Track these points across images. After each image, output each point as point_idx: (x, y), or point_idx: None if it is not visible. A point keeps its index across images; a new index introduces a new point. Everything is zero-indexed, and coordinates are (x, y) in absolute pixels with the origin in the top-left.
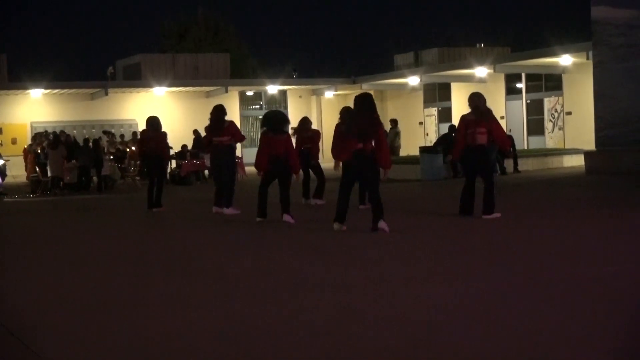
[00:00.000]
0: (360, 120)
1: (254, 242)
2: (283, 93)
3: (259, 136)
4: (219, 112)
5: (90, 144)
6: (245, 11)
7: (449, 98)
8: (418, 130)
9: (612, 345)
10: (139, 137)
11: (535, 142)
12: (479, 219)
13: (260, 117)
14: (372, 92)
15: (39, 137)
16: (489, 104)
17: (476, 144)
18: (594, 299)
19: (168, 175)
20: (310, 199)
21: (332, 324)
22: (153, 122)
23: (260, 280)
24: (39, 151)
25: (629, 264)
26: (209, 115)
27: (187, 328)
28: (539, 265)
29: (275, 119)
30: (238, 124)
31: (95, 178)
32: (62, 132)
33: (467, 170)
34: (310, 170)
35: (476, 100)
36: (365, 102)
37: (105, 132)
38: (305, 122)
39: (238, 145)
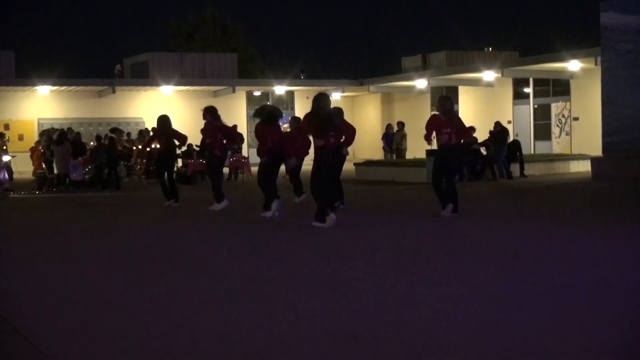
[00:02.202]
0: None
1: (255, 242)
2: (290, 94)
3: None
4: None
5: (106, 141)
6: (253, 12)
7: (456, 102)
8: (424, 133)
9: (611, 350)
10: (150, 134)
11: (542, 147)
12: (477, 223)
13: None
14: (379, 94)
15: (45, 133)
16: (496, 108)
17: (451, 144)
18: (594, 304)
19: (174, 174)
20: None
21: (333, 325)
22: (165, 120)
23: (261, 280)
24: (42, 149)
25: (623, 270)
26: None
27: (189, 327)
28: (538, 269)
29: (271, 112)
30: (244, 124)
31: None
32: (69, 129)
33: (439, 168)
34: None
35: (449, 104)
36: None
37: (112, 130)
38: (294, 120)
39: (244, 145)
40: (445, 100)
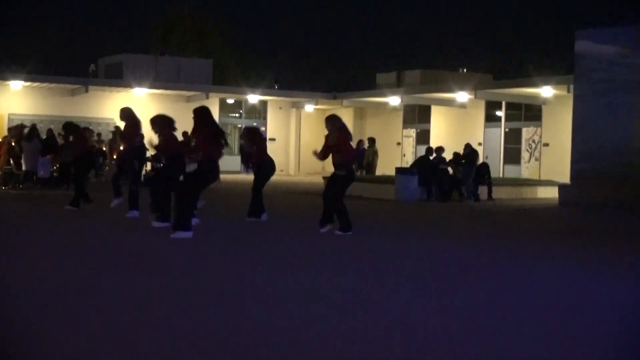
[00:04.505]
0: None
1: (228, 248)
2: (263, 103)
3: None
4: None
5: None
6: (231, 18)
7: (428, 120)
8: (395, 150)
9: None
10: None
11: (511, 171)
12: (440, 244)
13: (240, 125)
14: (352, 109)
15: (14, 129)
16: (468, 129)
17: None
18: (543, 326)
19: (142, 177)
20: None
21: (305, 334)
22: (69, 125)
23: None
24: (13, 144)
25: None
26: (189, 119)
27: (184, 327)
28: (492, 289)
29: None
30: None
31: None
32: (34, 125)
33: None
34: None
35: (339, 122)
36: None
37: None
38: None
39: None
40: (339, 118)
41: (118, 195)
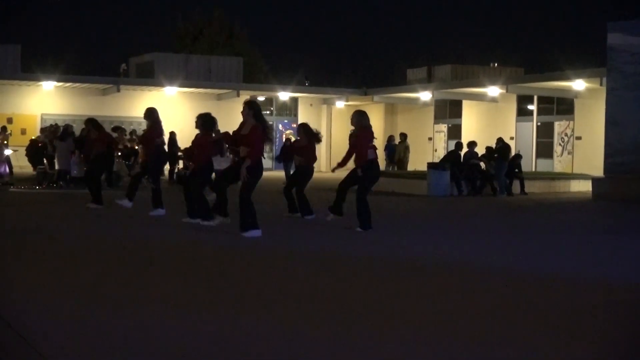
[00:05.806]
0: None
1: (245, 247)
2: (294, 100)
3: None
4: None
5: None
6: (259, 18)
7: (459, 115)
8: (427, 145)
9: None
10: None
11: (543, 165)
12: (458, 243)
13: (271, 123)
14: (383, 105)
15: (47, 129)
16: (499, 124)
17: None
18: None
19: (174, 175)
20: None
21: (326, 334)
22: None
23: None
24: (40, 144)
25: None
26: (220, 117)
27: (185, 328)
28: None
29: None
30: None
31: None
32: (68, 125)
33: (369, 184)
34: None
35: (368, 119)
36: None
37: (115, 129)
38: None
39: None
40: (365, 114)
41: (130, 198)
